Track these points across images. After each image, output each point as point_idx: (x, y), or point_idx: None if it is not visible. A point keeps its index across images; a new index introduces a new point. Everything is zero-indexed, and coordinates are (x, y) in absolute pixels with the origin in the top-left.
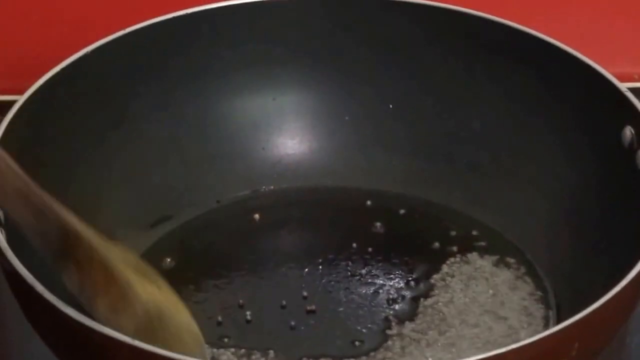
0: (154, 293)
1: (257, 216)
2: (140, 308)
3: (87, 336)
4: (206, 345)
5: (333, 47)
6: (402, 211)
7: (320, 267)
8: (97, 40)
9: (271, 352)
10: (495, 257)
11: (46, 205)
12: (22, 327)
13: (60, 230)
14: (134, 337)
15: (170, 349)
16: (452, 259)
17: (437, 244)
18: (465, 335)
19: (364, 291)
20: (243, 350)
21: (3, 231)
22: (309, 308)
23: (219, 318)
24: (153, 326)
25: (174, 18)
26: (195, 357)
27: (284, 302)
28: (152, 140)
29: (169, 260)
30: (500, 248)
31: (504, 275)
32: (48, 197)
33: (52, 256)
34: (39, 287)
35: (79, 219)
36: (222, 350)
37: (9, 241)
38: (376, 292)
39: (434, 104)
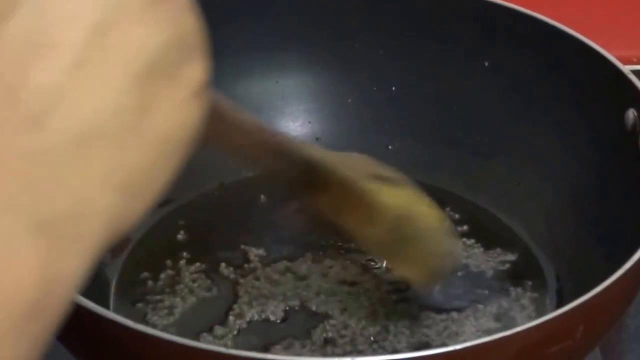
0: (398, 196)
1: (263, 197)
2: (388, 214)
3: (87, 318)
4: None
5: (336, 31)
6: None
7: (323, 249)
8: None
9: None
10: (496, 242)
11: (278, 143)
12: None
13: (297, 162)
14: (384, 243)
15: (425, 240)
16: None
17: None
18: (467, 319)
19: (366, 274)
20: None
21: None
22: (310, 291)
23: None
24: (403, 227)
25: None
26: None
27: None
28: None
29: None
30: (501, 233)
31: (506, 260)
32: (275, 133)
33: (297, 188)
34: None
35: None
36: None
37: None
38: (378, 274)
39: (436, 88)
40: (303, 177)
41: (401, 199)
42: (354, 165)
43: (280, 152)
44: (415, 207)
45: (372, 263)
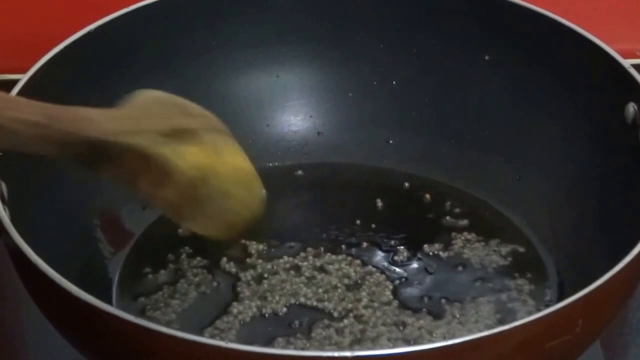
0: (194, 154)
1: (263, 192)
2: (181, 177)
3: (89, 312)
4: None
5: (337, 25)
6: (404, 189)
7: (324, 244)
8: (100, 18)
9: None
10: (497, 236)
11: (64, 130)
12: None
13: (84, 142)
14: (180, 205)
15: (225, 195)
16: (454, 234)
17: (439, 222)
18: (468, 312)
19: (368, 268)
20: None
21: (7, 209)
22: (311, 287)
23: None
24: (200, 188)
25: None
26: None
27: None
28: None
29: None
30: (502, 226)
31: (507, 253)
32: (61, 111)
33: (86, 166)
34: (42, 265)
35: (97, 114)
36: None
37: (13, 219)
38: (378, 268)
39: (436, 82)
40: (89, 152)
41: (198, 157)
42: (148, 122)
43: (55, 137)
44: (214, 163)
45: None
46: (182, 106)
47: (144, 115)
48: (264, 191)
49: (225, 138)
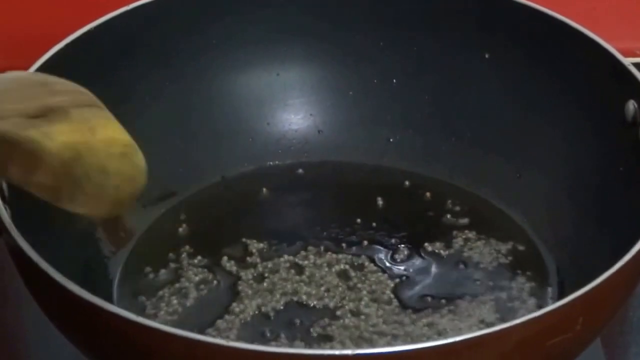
0: (64, 133)
1: (264, 190)
2: (53, 159)
3: (90, 311)
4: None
5: (337, 23)
6: (405, 187)
7: (324, 242)
8: (101, 16)
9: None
10: (497, 234)
11: None
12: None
13: None
14: (57, 188)
15: (102, 173)
16: (455, 233)
17: (440, 220)
18: (468, 310)
19: (368, 266)
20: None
21: (7, 207)
22: (311, 286)
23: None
24: (73, 169)
25: None
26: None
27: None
28: (157, 116)
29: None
30: (502, 225)
31: (507, 252)
32: None
33: None
34: (43, 264)
35: None
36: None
37: (14, 217)
38: (379, 267)
39: (437, 80)
40: None
41: (68, 135)
42: (9, 106)
43: None
44: (86, 139)
45: (375, 258)
46: (47, 84)
47: (7, 99)
48: (144, 161)
49: (98, 112)
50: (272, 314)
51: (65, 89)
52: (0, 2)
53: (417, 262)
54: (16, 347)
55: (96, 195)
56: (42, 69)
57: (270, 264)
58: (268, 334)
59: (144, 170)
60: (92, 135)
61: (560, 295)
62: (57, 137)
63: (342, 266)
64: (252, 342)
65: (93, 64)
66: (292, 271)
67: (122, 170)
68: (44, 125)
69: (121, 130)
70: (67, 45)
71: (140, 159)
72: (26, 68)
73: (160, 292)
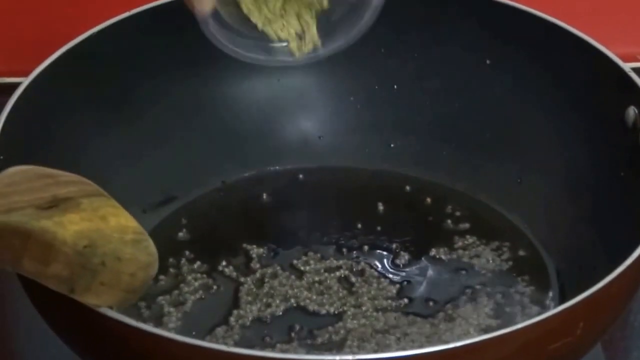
0: (76, 222)
1: (264, 196)
2: (68, 248)
3: (90, 317)
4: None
5: None
6: (406, 192)
7: (325, 247)
8: (102, 22)
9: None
10: (498, 239)
11: None
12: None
13: None
14: (72, 278)
15: (119, 262)
16: (455, 237)
17: (440, 225)
18: (469, 315)
19: (369, 271)
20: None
21: None
22: (311, 291)
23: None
24: (88, 258)
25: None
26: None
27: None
28: (157, 121)
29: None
30: (503, 229)
31: (508, 257)
32: None
33: None
34: None
35: None
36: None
37: None
38: (380, 272)
39: (437, 86)
40: None
41: (81, 224)
42: (22, 198)
43: None
44: (99, 227)
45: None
46: (52, 176)
47: (16, 192)
48: (155, 248)
49: (106, 201)
50: (272, 319)
51: (71, 179)
52: (2, 7)
53: (418, 267)
54: (14, 349)
55: (111, 283)
56: (44, 74)
57: (270, 270)
58: (268, 339)
59: (156, 256)
60: (104, 223)
61: (561, 300)
62: (71, 226)
63: (342, 271)
64: (252, 347)
65: (95, 69)
66: (292, 276)
67: (136, 257)
68: (57, 216)
69: (131, 218)
70: (68, 50)
71: (151, 245)
72: (28, 73)
73: (160, 298)
